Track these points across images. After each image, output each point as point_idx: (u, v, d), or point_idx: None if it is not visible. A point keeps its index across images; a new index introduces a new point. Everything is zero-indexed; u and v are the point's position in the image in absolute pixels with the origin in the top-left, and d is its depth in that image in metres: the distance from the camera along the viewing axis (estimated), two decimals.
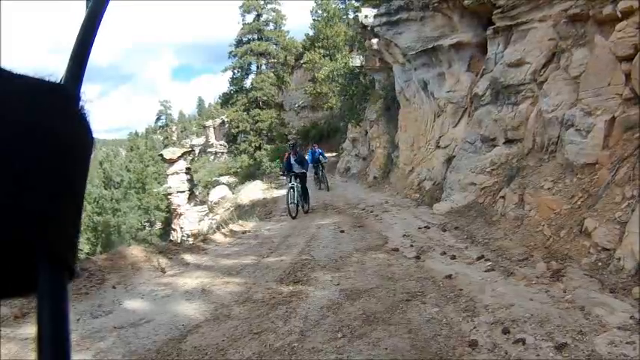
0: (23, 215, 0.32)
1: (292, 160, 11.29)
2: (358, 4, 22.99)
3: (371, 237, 7.77)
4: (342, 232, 8.43)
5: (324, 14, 34.79)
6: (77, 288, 5.09)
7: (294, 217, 10.73)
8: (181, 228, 27.87)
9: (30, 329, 3.85)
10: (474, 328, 3.81)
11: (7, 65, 0.34)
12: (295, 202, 11.00)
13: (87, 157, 0.38)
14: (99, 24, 0.43)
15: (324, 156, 16.84)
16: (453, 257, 6.05)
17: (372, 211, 10.65)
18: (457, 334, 3.71)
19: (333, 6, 35.10)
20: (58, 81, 0.39)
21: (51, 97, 0.36)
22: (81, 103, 0.38)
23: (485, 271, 5.34)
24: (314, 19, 36.15)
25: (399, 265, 5.90)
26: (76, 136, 0.37)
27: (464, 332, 3.74)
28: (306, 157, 16.89)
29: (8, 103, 0.33)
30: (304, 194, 11.36)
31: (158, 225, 34.00)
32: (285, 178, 12.33)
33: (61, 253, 0.35)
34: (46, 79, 0.36)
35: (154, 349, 3.82)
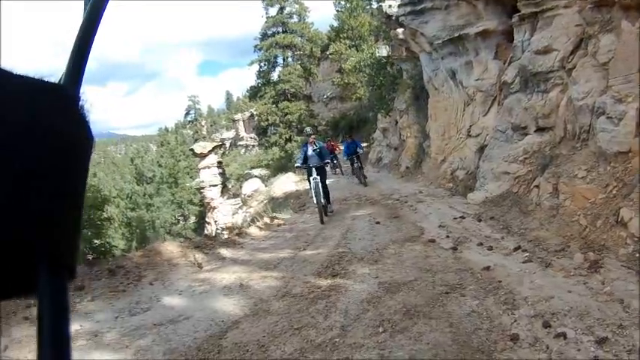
0: (23, 215, 0.33)
1: (310, 152, 9.65)
2: None
3: (407, 228, 7.64)
4: (378, 223, 8.30)
5: (348, 5, 34.57)
6: (114, 285, 5.16)
7: (322, 223, 8.94)
8: (215, 221, 28.32)
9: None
10: (515, 321, 3.78)
11: (11, 65, 0.34)
12: (322, 202, 9.25)
13: (87, 158, 0.38)
14: (98, 24, 0.44)
15: (360, 147, 16.27)
16: (490, 248, 5.97)
17: (406, 202, 10.50)
18: (498, 328, 3.68)
19: None
20: (57, 81, 0.40)
21: (50, 97, 0.36)
22: (80, 103, 0.39)
23: (523, 262, 5.25)
24: (337, 10, 36.07)
25: (436, 256, 5.85)
26: (76, 136, 0.37)
27: (505, 326, 3.71)
28: (342, 149, 16.85)
29: (8, 103, 0.33)
30: (325, 192, 9.59)
31: (192, 219, 34.37)
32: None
33: (61, 254, 0.35)
34: (46, 79, 0.36)
35: (195, 347, 3.83)
